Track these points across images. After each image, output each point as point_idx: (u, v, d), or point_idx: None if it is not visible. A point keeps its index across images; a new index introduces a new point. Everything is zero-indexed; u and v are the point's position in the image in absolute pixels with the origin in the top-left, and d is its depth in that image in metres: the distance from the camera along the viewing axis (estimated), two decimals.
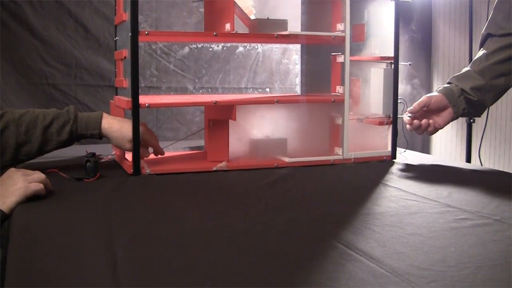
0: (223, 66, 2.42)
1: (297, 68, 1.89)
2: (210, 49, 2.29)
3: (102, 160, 1.71)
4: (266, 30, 1.65)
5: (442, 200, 1.23)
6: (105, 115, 1.49)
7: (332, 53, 1.68)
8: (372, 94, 1.74)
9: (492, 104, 1.75)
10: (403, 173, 1.55)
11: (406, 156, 1.81)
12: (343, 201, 1.26)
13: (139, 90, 1.81)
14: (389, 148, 1.73)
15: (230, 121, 1.60)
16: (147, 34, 1.47)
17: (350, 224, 1.05)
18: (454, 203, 1.20)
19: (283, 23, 1.66)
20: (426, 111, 1.71)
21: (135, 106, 1.47)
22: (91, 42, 2.64)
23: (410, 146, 2.52)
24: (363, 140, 1.78)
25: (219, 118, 1.60)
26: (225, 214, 1.13)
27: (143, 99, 1.53)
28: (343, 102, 1.65)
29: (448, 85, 1.74)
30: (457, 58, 3.18)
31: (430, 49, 3.35)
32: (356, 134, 1.77)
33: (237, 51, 2.29)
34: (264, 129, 1.72)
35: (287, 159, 1.62)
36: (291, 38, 1.60)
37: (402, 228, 1.02)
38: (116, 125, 1.48)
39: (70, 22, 2.61)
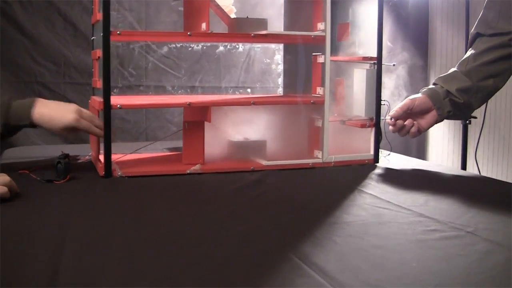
0: (203, 65, 2.37)
1: (280, 68, 1.84)
2: (190, 49, 2.25)
3: (79, 161, 1.68)
4: (245, 29, 1.60)
5: (416, 208, 1.17)
6: (38, 102, 1.44)
7: (313, 53, 1.63)
8: (355, 95, 1.69)
9: (479, 107, 1.69)
10: (382, 178, 1.49)
11: (389, 160, 1.75)
12: (311, 208, 1.21)
13: (117, 90, 1.78)
14: (372, 152, 1.68)
15: (209, 123, 1.55)
16: (119, 34, 1.43)
17: (312, 234, 1.00)
18: (428, 212, 1.14)
19: (262, 22, 1.62)
20: (410, 113, 1.65)
21: (107, 107, 1.43)
22: (80, 40, 2.60)
23: (405, 151, 2.47)
24: (346, 142, 1.73)
25: (195, 119, 1.56)
26: (185, 220, 1.09)
27: (117, 100, 1.49)
28: (323, 104, 1.60)
29: (434, 86, 1.68)
30: (455, 57, 3.12)
31: (427, 48, 3.28)
32: (339, 137, 1.72)
33: (218, 50, 2.24)
34: (243, 131, 1.68)
35: (264, 162, 1.57)
36: (268, 38, 1.55)
37: (366, 239, 0.97)
38: (47, 115, 1.42)
39: (59, 20, 2.57)
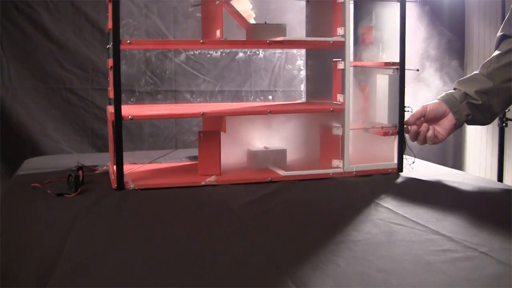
0: (222, 72, 2.32)
1: (302, 74, 1.79)
2: (208, 55, 2.20)
3: (96, 172, 1.66)
4: (263, 35, 1.56)
5: (432, 225, 1.11)
6: None
7: (334, 59, 1.58)
8: (378, 102, 1.63)
9: (502, 111, 1.60)
10: (402, 190, 1.43)
11: (413, 168, 1.68)
12: (322, 224, 1.15)
13: (133, 99, 1.76)
14: (395, 160, 1.61)
15: (228, 132, 1.52)
16: (130, 43, 1.41)
17: (314, 255, 0.95)
18: (443, 229, 1.08)
19: (280, 28, 1.57)
20: (424, 121, 1.58)
21: (118, 118, 1.40)
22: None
23: (441, 159, 2.37)
24: (369, 151, 1.67)
25: (210, 129, 1.52)
26: (187, 236, 1.06)
27: (129, 110, 1.46)
28: (343, 111, 1.54)
29: (452, 91, 1.61)
30: None
31: (463, 49, 3.17)
32: (362, 144, 1.67)
33: (237, 57, 2.18)
34: (261, 140, 1.64)
35: (282, 173, 1.52)
36: (285, 44, 1.50)
37: (372, 261, 0.92)
38: None
39: (86, 26, 2.57)
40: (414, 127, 1.57)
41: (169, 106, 1.63)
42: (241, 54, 2.16)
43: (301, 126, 1.68)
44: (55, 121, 2.56)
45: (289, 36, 1.51)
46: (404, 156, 1.65)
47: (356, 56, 1.76)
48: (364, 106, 1.71)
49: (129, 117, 1.41)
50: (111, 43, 1.40)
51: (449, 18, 3.06)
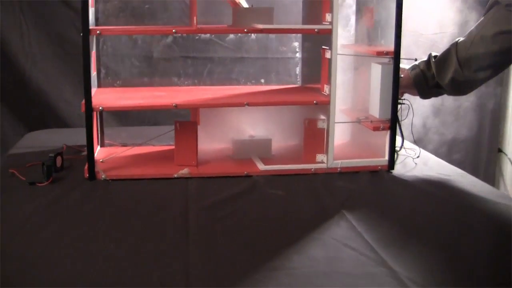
0: (211, 55, 2.21)
1: (297, 56, 1.68)
2: (197, 37, 2.09)
3: (82, 154, 1.64)
4: (249, 19, 1.47)
5: (385, 252, 1.00)
6: None
7: (322, 47, 1.47)
8: (371, 93, 1.52)
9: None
10: (381, 197, 1.33)
11: (416, 163, 1.58)
12: (266, 242, 1.06)
13: (119, 82, 1.72)
14: (387, 157, 1.51)
15: (212, 119, 1.46)
16: (99, 34, 1.35)
17: (239, 283, 0.89)
18: (395, 261, 0.97)
19: (267, 12, 1.47)
20: None
21: (88, 108, 1.36)
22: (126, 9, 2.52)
23: (475, 132, 2.20)
24: (360, 142, 1.58)
25: (191, 118, 1.47)
26: (120, 249, 1.02)
27: (104, 98, 1.42)
28: (328, 104, 1.44)
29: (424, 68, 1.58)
30: None
31: None
32: (353, 135, 1.58)
33: (227, 38, 2.06)
34: (248, 126, 1.57)
35: (260, 167, 1.45)
36: (265, 31, 1.41)
37: None
38: None
39: None
40: None
41: (151, 91, 1.58)
42: (231, 36, 2.05)
43: (288, 113, 1.60)
44: (73, 86, 2.54)
45: (269, 25, 1.41)
46: (407, 147, 1.60)
47: (357, 38, 1.65)
48: (359, 94, 1.61)
49: (100, 108, 1.37)
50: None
51: None
